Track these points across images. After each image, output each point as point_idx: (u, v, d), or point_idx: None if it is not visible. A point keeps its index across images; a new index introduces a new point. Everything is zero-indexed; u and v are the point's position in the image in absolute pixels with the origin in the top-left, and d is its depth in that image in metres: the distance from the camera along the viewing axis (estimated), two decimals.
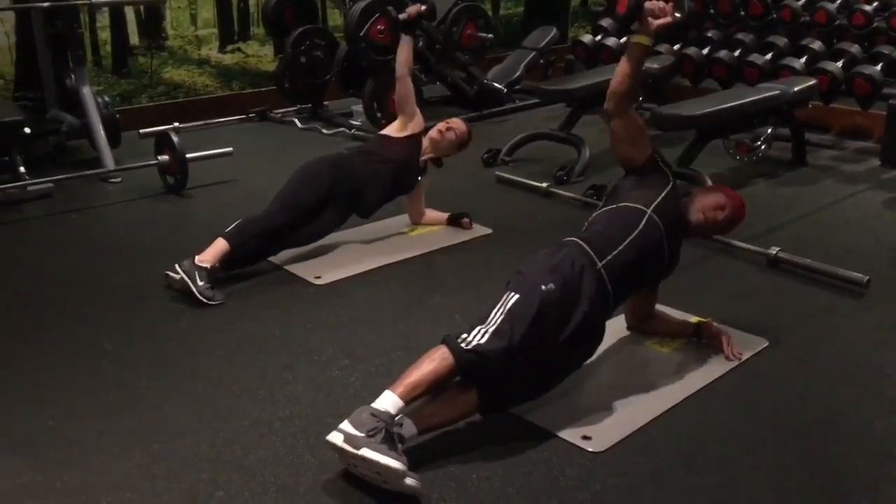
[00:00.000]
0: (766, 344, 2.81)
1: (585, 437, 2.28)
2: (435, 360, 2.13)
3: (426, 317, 3.03)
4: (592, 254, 2.34)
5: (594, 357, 2.50)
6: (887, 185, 4.61)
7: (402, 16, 3.82)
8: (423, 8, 3.78)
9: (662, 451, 2.26)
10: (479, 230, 3.89)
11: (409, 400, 2.10)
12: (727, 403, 2.49)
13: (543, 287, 2.22)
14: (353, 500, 2.06)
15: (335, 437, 2.03)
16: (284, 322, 2.99)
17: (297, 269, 3.43)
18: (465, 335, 2.17)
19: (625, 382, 2.58)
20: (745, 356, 2.73)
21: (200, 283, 3.06)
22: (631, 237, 2.40)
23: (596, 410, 2.42)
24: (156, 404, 2.48)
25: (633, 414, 2.41)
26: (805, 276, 3.38)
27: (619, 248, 2.37)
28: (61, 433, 2.34)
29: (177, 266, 3.10)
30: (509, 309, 2.19)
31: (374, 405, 2.07)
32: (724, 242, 3.59)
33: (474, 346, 2.14)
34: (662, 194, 2.50)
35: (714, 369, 2.65)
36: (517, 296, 2.22)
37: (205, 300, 3.06)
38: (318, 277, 3.36)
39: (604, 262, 2.34)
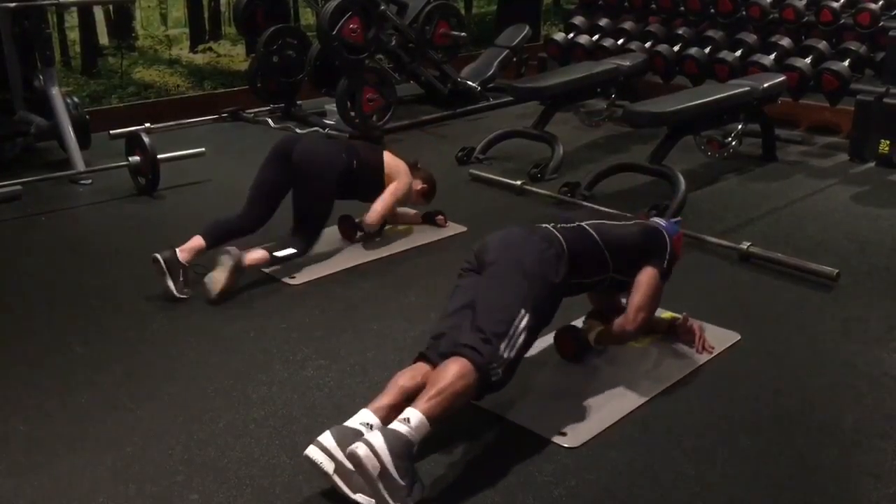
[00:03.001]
0: (739, 338, 2.84)
1: (561, 434, 2.29)
2: (463, 381, 2.05)
3: (401, 316, 3.02)
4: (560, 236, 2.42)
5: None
6: (856, 180, 4.67)
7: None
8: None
9: (637, 445, 2.27)
10: (454, 228, 3.89)
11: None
12: (701, 397, 2.52)
13: (545, 309, 2.30)
14: (328, 502, 2.05)
15: (362, 451, 1.87)
16: (259, 323, 2.98)
17: (272, 269, 3.41)
18: (494, 365, 2.11)
19: (600, 378, 2.60)
20: (718, 350, 2.75)
21: (181, 281, 3.13)
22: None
23: (571, 407, 2.43)
24: (128, 407, 2.46)
25: (608, 409, 2.43)
26: (776, 270, 3.41)
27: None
28: (32, 437, 2.31)
29: (158, 255, 3.11)
30: (525, 340, 2.20)
31: (411, 434, 1.94)
32: (695, 238, 3.63)
33: (498, 379, 2.14)
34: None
35: (687, 364, 2.67)
36: (529, 317, 2.21)
37: (179, 296, 3.12)
38: (293, 277, 3.34)
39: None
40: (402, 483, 1.88)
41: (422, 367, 2.23)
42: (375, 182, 3.60)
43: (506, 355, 2.14)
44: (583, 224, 2.53)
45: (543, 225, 2.47)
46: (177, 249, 3.14)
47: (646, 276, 2.56)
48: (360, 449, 1.88)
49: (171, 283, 3.09)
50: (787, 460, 2.22)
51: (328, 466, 1.98)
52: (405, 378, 2.20)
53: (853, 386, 2.58)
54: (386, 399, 2.15)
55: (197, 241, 3.23)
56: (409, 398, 2.12)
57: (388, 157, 3.65)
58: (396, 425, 1.95)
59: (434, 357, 2.23)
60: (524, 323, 2.20)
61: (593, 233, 2.49)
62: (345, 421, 2.13)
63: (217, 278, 3.11)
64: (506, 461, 2.20)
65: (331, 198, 3.46)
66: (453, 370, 2.07)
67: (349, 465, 1.95)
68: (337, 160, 3.45)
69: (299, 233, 3.41)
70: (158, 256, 3.10)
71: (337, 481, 1.99)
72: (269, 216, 3.42)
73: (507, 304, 2.21)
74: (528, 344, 2.23)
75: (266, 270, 3.38)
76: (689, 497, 2.08)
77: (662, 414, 2.42)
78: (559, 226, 2.47)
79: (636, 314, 2.54)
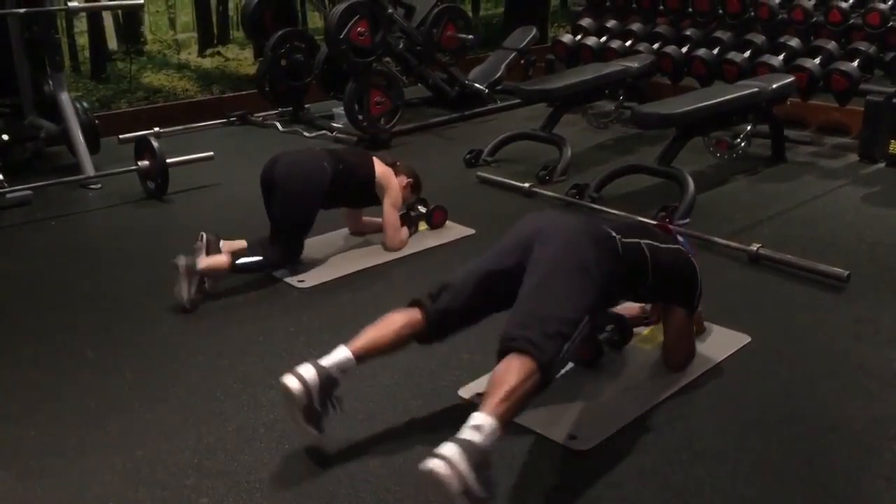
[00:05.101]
0: (749, 340, 2.83)
1: (571, 437, 2.29)
2: (530, 382, 1.95)
3: None
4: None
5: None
6: (866, 180, 4.64)
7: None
8: None
9: (648, 447, 2.27)
10: (462, 231, 3.89)
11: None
12: (711, 399, 2.51)
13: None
14: None
15: (444, 470, 1.75)
16: (267, 326, 2.98)
17: (281, 272, 3.41)
18: (555, 366, 2.02)
19: (609, 381, 2.59)
20: (728, 352, 2.75)
21: (192, 292, 3.06)
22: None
23: (581, 409, 2.42)
24: (138, 411, 2.46)
25: (618, 412, 2.42)
26: (786, 271, 3.40)
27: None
28: (43, 442, 2.32)
29: (177, 261, 3.05)
30: (584, 336, 2.14)
31: (486, 442, 1.83)
32: (704, 239, 3.61)
33: (557, 368, 2.08)
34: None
35: (698, 366, 2.66)
36: (589, 324, 2.14)
37: (187, 305, 3.06)
38: (302, 281, 3.35)
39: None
40: (483, 496, 1.79)
41: (415, 315, 2.29)
42: (366, 190, 3.56)
43: (566, 358, 2.06)
44: (641, 243, 2.37)
45: (605, 227, 2.32)
46: (197, 259, 3.11)
47: (677, 323, 2.59)
48: (440, 469, 1.74)
49: (183, 289, 3.04)
50: (797, 462, 2.21)
51: (301, 401, 2.11)
52: (395, 324, 2.28)
53: (864, 387, 2.57)
54: (368, 340, 2.24)
55: (222, 259, 3.18)
56: (389, 346, 2.26)
57: (377, 164, 3.58)
58: (470, 434, 1.82)
59: (429, 307, 2.28)
60: (586, 330, 2.12)
61: (648, 257, 2.36)
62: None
63: (182, 286, 3.05)
64: (516, 465, 2.19)
65: (311, 210, 3.38)
66: (519, 371, 1.94)
67: (318, 406, 2.13)
68: (320, 172, 3.37)
69: (277, 243, 3.32)
70: (179, 262, 3.05)
71: (298, 416, 2.13)
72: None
73: (576, 305, 2.09)
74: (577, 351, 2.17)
75: (274, 273, 3.38)
76: (701, 500, 2.07)
77: (673, 416, 2.41)
78: (622, 239, 2.31)
79: (678, 362, 2.63)
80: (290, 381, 2.11)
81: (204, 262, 3.11)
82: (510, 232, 2.42)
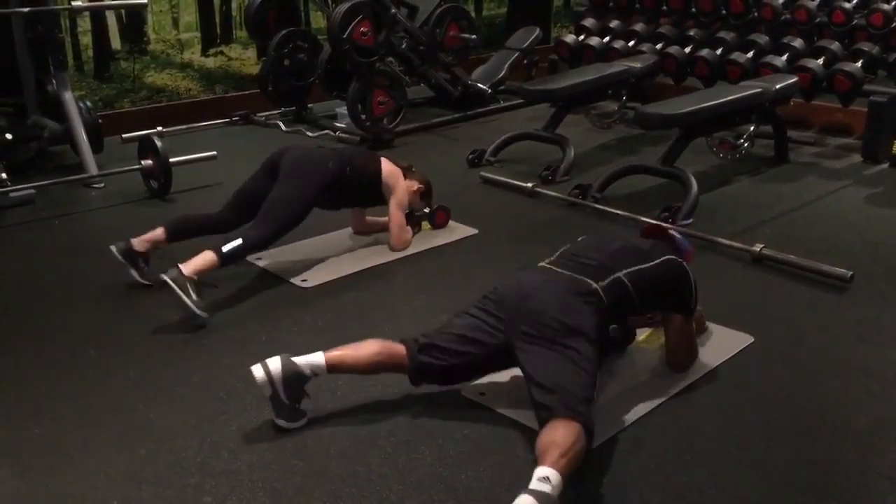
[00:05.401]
0: (752, 340, 2.83)
1: None
2: (581, 443, 2.01)
3: (412, 318, 3.02)
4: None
5: None
6: (869, 181, 4.64)
7: None
8: None
9: (649, 448, 2.27)
10: (465, 231, 3.89)
11: None
12: (713, 399, 2.51)
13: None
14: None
15: None
16: (270, 325, 2.98)
17: (283, 272, 3.42)
18: (593, 420, 2.09)
19: (611, 381, 2.59)
20: (731, 353, 2.74)
21: (195, 298, 2.96)
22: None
23: None
24: (141, 410, 2.47)
25: (619, 412, 2.42)
26: (789, 272, 3.40)
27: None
28: (47, 440, 2.32)
29: (164, 276, 2.98)
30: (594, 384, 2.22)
31: (556, 491, 1.88)
32: (707, 239, 3.61)
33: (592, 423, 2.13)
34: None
35: (700, 366, 2.66)
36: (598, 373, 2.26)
37: (201, 314, 2.95)
38: (305, 280, 3.35)
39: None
40: None
41: (397, 348, 2.35)
42: (372, 189, 3.57)
43: (588, 403, 2.13)
44: (621, 276, 2.40)
45: (584, 279, 2.37)
46: (132, 240, 3.22)
47: (676, 328, 2.59)
48: None
49: (133, 272, 3.20)
50: (800, 463, 2.21)
51: (266, 391, 2.27)
52: (369, 349, 2.35)
53: (867, 388, 2.57)
54: (342, 354, 2.34)
55: (157, 233, 3.27)
56: (360, 367, 2.34)
57: (385, 163, 3.60)
58: (539, 485, 1.88)
59: (415, 355, 2.32)
60: (596, 385, 2.22)
61: (630, 286, 2.40)
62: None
63: (184, 302, 2.94)
64: (518, 464, 2.19)
65: (306, 201, 3.34)
66: (569, 433, 2.01)
67: (284, 398, 2.26)
68: (325, 167, 3.39)
69: (260, 225, 3.22)
70: (113, 249, 3.20)
71: (270, 404, 2.29)
72: (243, 222, 3.32)
73: (590, 370, 2.19)
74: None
75: (277, 273, 3.39)
76: (702, 500, 2.07)
77: (674, 417, 2.42)
78: (602, 285, 2.36)
79: (680, 364, 2.63)
80: (256, 370, 2.26)
81: (191, 266, 3.00)
82: (494, 295, 2.43)
